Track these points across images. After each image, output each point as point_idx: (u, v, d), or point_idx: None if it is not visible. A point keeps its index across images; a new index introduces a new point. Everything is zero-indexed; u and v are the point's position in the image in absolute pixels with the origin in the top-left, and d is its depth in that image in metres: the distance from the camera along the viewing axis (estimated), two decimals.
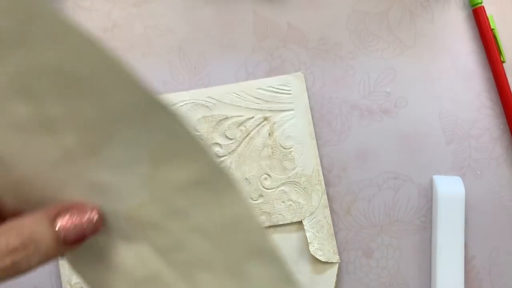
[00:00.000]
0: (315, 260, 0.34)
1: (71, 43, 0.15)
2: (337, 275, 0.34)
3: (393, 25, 0.36)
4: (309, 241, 0.34)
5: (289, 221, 0.34)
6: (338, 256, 0.34)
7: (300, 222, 0.34)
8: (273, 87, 0.35)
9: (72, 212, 0.18)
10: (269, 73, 0.36)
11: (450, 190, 0.34)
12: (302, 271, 0.34)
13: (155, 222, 0.19)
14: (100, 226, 0.18)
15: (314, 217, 0.34)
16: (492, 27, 0.36)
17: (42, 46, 0.16)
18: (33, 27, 0.15)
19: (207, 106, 0.35)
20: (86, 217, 0.18)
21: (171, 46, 0.36)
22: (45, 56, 0.16)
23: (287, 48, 0.36)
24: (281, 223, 0.34)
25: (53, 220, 0.17)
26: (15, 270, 0.16)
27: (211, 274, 0.19)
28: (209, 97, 0.35)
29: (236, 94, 0.35)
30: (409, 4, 0.37)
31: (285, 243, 0.35)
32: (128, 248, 0.19)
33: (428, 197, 0.35)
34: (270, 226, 0.34)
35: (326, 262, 0.34)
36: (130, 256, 0.19)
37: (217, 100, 0.35)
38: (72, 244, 0.18)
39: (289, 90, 0.35)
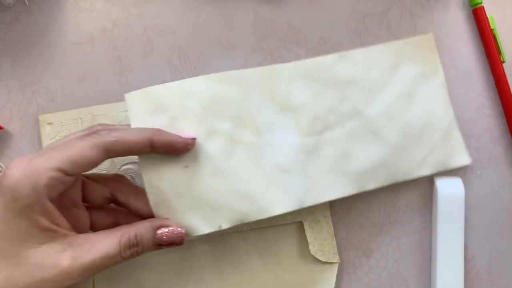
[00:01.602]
0: (315, 260, 0.34)
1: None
2: (337, 275, 0.34)
3: (393, 25, 0.36)
4: (309, 241, 0.34)
5: (289, 221, 0.34)
6: (338, 256, 0.34)
7: (300, 222, 0.34)
8: None
9: (169, 228, 0.28)
10: None
11: (450, 190, 0.34)
12: (302, 271, 0.34)
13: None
14: (184, 240, 0.28)
15: (314, 217, 0.34)
16: (492, 27, 0.36)
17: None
18: None
19: None
20: (176, 233, 0.28)
21: (171, 46, 0.36)
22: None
23: (287, 48, 0.36)
24: (281, 223, 0.34)
25: (155, 230, 0.27)
26: (131, 257, 0.27)
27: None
28: None
29: None
30: (409, 4, 0.37)
31: (285, 243, 0.35)
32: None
33: (428, 197, 0.35)
34: (270, 226, 0.34)
35: (326, 262, 0.34)
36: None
37: None
38: (163, 247, 0.28)
39: None
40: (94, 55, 0.36)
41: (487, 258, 0.35)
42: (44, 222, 0.24)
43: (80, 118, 0.35)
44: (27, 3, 0.36)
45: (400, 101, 0.33)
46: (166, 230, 0.27)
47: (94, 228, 0.29)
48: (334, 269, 0.34)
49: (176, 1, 0.36)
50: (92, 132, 0.26)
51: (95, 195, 0.29)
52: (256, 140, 0.31)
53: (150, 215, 0.29)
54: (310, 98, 0.32)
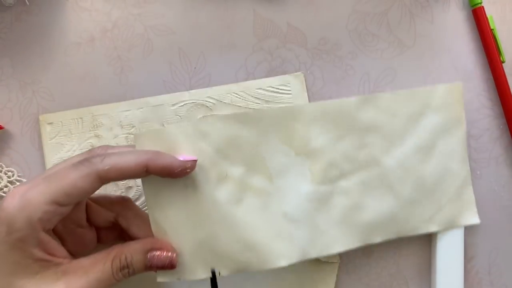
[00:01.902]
0: (315, 260, 0.34)
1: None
2: (337, 275, 0.34)
3: (393, 25, 0.37)
4: None
5: None
6: (338, 256, 0.34)
7: None
8: (273, 87, 0.35)
9: (160, 250, 0.27)
10: (269, 73, 0.36)
11: None
12: (302, 271, 0.34)
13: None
14: (175, 264, 0.28)
15: None
16: (491, 27, 0.36)
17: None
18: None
19: (207, 106, 0.35)
20: (168, 256, 0.27)
21: (171, 46, 0.36)
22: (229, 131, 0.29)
23: (287, 48, 0.36)
24: None
25: (146, 252, 0.27)
26: (124, 278, 0.26)
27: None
28: (209, 97, 0.35)
29: (236, 94, 0.35)
30: (409, 4, 0.37)
31: None
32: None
33: None
34: None
35: (326, 262, 0.34)
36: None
37: (217, 100, 0.35)
38: (155, 269, 0.27)
39: (289, 90, 0.35)
40: (95, 55, 0.36)
41: (487, 258, 0.35)
42: (38, 253, 0.24)
43: (81, 118, 0.35)
44: (28, 3, 0.36)
45: (418, 153, 0.32)
46: (157, 253, 0.27)
47: (101, 243, 0.30)
48: (334, 269, 0.34)
49: (176, 1, 0.36)
50: (86, 159, 0.25)
51: (99, 218, 0.29)
52: (267, 187, 0.30)
53: None
54: (328, 143, 0.31)
